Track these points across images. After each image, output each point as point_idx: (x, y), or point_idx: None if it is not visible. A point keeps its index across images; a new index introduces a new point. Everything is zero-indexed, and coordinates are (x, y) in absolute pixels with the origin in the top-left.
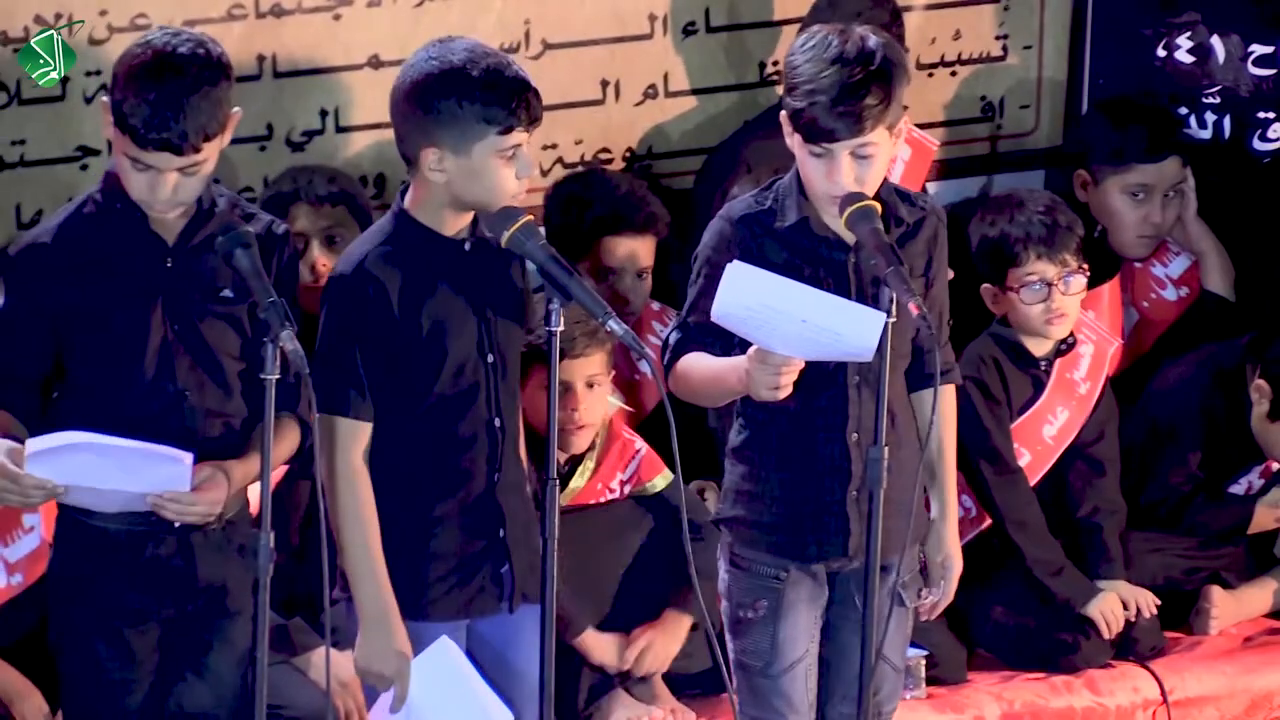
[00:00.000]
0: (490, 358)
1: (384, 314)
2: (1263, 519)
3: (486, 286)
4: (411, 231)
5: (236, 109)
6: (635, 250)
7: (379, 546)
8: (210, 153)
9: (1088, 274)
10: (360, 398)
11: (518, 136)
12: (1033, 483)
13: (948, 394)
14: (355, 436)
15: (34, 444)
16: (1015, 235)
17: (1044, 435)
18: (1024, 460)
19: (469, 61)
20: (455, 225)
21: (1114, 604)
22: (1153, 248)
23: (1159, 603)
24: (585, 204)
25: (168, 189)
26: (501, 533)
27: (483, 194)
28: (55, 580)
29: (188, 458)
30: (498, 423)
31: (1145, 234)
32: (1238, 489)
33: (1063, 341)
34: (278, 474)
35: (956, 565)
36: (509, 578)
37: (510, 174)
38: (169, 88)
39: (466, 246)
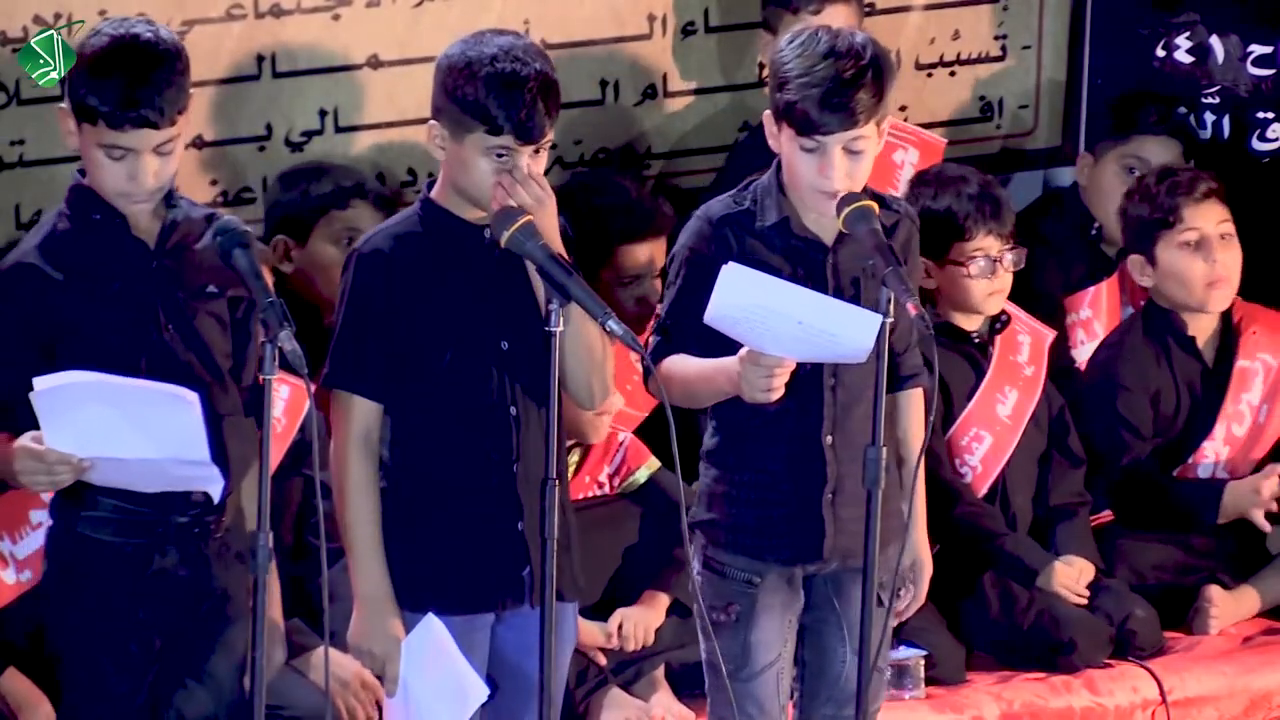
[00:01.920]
0: (505, 344)
1: (392, 292)
2: (1237, 504)
3: (507, 273)
4: (432, 215)
5: (192, 91)
6: (652, 254)
7: (379, 527)
8: (182, 128)
9: (1024, 251)
10: (372, 375)
11: (509, 143)
12: (1001, 464)
13: (916, 397)
14: (365, 414)
15: (40, 382)
16: (964, 211)
17: (999, 415)
18: (986, 444)
19: (492, 58)
20: (478, 211)
21: (1064, 573)
22: None
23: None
24: (600, 213)
25: (149, 174)
26: (520, 526)
27: (468, 184)
28: (60, 592)
29: (194, 396)
30: (514, 411)
31: None
32: (1206, 461)
33: (995, 319)
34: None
35: (927, 568)
36: (529, 573)
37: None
38: (135, 66)
39: (487, 234)
